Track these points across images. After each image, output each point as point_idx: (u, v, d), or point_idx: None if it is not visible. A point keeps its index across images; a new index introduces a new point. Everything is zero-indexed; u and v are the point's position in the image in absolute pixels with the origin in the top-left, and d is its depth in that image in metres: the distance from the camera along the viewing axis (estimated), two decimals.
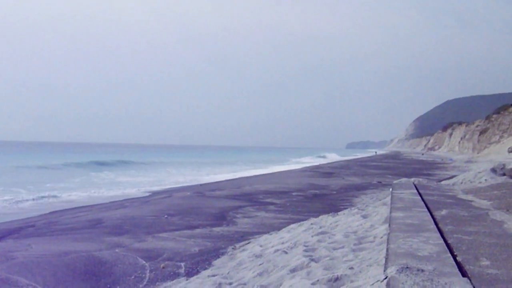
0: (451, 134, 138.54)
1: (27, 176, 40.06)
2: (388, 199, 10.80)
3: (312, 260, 6.92)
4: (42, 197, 24.13)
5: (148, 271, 9.10)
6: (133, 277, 8.76)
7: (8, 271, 8.92)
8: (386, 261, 4.73)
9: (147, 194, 27.12)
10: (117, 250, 10.60)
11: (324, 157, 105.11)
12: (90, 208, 19.44)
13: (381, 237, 7.39)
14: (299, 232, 10.35)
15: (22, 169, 49.33)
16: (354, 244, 7.55)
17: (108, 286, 8.29)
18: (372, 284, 4.37)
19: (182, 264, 9.51)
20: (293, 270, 6.62)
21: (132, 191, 28.97)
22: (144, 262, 9.67)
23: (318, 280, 5.64)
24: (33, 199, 23.21)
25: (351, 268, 5.95)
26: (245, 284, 6.69)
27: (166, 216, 15.50)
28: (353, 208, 13.50)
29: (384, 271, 4.39)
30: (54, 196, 24.27)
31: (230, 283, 6.86)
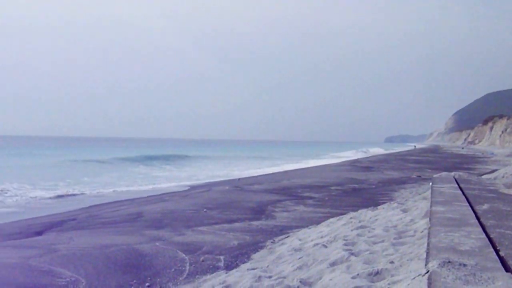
0: (491, 128, 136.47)
1: (71, 171, 40.73)
2: (428, 193, 10.70)
3: (352, 254, 6.89)
4: (74, 192, 24.73)
5: (188, 264, 9.17)
6: (173, 270, 8.84)
7: (51, 263, 9.09)
8: (427, 255, 4.69)
9: (186, 188, 27.31)
10: (157, 244, 10.71)
11: (365, 151, 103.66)
12: (130, 202, 19.65)
13: (422, 232, 7.32)
14: (338, 226, 10.32)
15: (71, 163, 50.22)
16: (394, 238, 7.49)
17: (149, 278, 8.38)
18: (414, 278, 4.34)
19: (222, 257, 9.56)
20: (333, 264, 6.61)
21: (169, 185, 29.29)
22: (184, 255, 9.74)
23: (358, 274, 5.62)
24: (70, 194, 23.90)
25: (392, 262, 5.91)
26: (284, 277, 6.69)
27: (205, 210, 15.60)
28: (392, 202, 13.41)
29: (426, 265, 4.35)
30: (82, 193, 24.47)
31: (270, 277, 6.87)
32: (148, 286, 8.04)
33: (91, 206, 19.31)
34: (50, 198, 22.44)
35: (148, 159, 55.40)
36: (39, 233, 12.52)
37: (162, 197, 21.11)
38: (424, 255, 4.91)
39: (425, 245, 5.30)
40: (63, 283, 8.04)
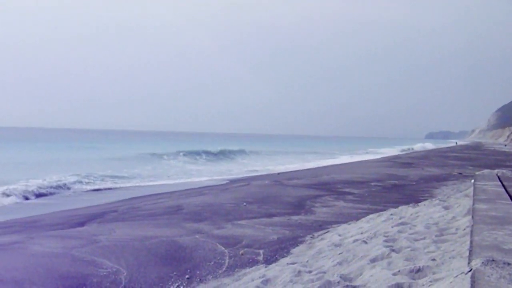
0: None
1: (116, 164, 41.30)
2: (470, 190, 10.56)
3: (393, 250, 6.84)
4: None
5: (227, 257, 9.22)
6: (212, 263, 8.90)
7: (93, 253, 9.24)
8: (470, 254, 4.63)
9: (225, 182, 27.46)
10: (197, 236, 10.79)
11: (410, 148, 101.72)
12: (170, 195, 19.84)
13: (464, 229, 7.24)
14: (379, 223, 10.26)
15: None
16: (436, 236, 7.42)
17: (189, 271, 8.45)
18: (456, 276, 4.29)
19: (261, 251, 9.59)
20: (374, 260, 6.57)
21: (209, 179, 29.57)
22: (223, 248, 9.80)
23: (399, 271, 5.58)
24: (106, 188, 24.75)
25: (433, 259, 5.86)
26: (324, 272, 6.68)
27: (244, 203, 15.65)
28: (433, 199, 13.26)
29: (469, 263, 4.30)
30: (111, 189, 24.98)
31: (310, 271, 6.87)
32: (188, 278, 8.11)
33: (131, 198, 19.57)
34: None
35: (192, 154, 55.42)
36: (81, 224, 12.73)
37: (201, 190, 21.25)
38: (467, 253, 4.87)
39: (468, 243, 5.25)
40: (105, 273, 8.17)
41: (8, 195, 19.78)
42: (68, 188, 23.64)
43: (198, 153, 54.88)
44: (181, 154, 53.70)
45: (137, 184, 26.52)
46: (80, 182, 25.61)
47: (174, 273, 8.34)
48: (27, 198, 20.36)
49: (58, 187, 23.31)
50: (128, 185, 26.39)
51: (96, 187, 24.97)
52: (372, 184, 22.62)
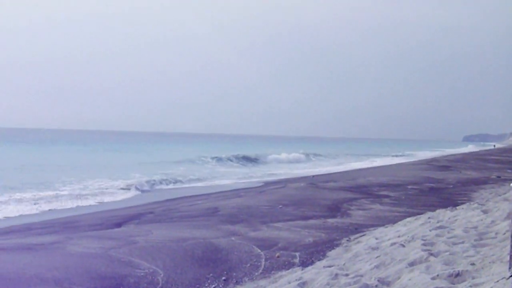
0: None
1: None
2: (510, 194, 10.42)
3: (431, 254, 6.77)
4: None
5: (263, 259, 9.23)
6: (248, 265, 8.92)
7: (130, 254, 9.32)
8: (511, 258, 4.57)
9: (261, 184, 27.50)
10: (233, 238, 10.82)
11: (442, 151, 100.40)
12: (206, 197, 19.95)
13: (504, 234, 7.14)
14: (416, 226, 10.16)
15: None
16: (475, 240, 7.33)
17: (225, 272, 8.48)
18: (497, 281, 4.24)
19: (297, 254, 9.57)
20: (412, 264, 6.51)
21: (245, 181, 29.69)
22: (260, 250, 9.81)
23: (438, 275, 5.53)
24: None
25: (473, 264, 5.79)
26: (362, 276, 6.64)
27: (280, 206, 15.64)
28: (472, 202, 13.10)
29: (510, 268, 4.25)
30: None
31: (347, 275, 6.84)
32: (225, 280, 8.13)
33: (168, 200, 19.75)
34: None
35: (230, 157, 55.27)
36: (118, 225, 12.87)
37: (237, 192, 21.32)
38: (507, 258, 4.80)
39: (508, 247, 5.17)
40: (142, 274, 8.24)
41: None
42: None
43: (236, 157, 54.41)
44: (231, 158, 53.41)
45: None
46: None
47: (211, 274, 8.38)
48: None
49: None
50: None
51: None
52: (409, 187, 22.40)
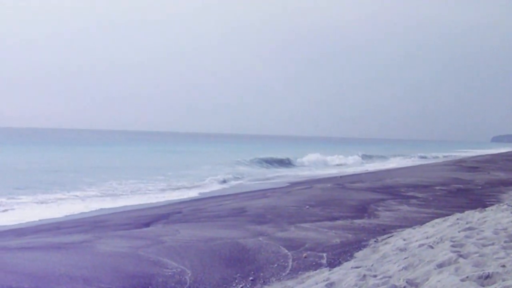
0: None
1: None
2: None
3: (460, 256, 6.73)
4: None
5: (290, 260, 9.23)
6: (276, 265, 8.93)
7: (158, 253, 9.39)
8: None
9: (287, 184, 27.51)
10: (260, 239, 10.83)
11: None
12: (233, 197, 20.01)
13: None
14: (444, 227, 10.09)
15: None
16: (505, 242, 7.26)
17: (252, 272, 8.50)
18: None
19: (324, 254, 9.56)
20: (440, 265, 6.47)
21: (271, 181, 29.77)
22: (287, 251, 9.81)
23: (467, 277, 5.49)
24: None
25: (503, 266, 5.74)
26: (390, 277, 6.61)
27: (307, 206, 15.62)
28: (501, 204, 12.97)
29: None
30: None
31: (375, 276, 6.81)
32: (252, 280, 8.16)
33: (195, 200, 19.84)
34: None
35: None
36: (146, 225, 12.98)
37: (264, 193, 21.33)
38: None
39: None
40: (170, 273, 8.29)
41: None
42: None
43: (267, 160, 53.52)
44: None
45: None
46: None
47: (238, 274, 8.41)
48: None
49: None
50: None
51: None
52: (437, 188, 22.21)
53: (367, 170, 43.02)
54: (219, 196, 20.93)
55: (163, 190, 25.25)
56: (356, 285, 6.47)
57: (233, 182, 30.62)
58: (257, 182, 31.30)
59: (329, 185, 23.19)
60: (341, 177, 31.31)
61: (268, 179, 34.13)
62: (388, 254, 8.54)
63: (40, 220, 15.46)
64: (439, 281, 5.70)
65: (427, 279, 6.05)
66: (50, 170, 34.61)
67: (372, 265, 7.85)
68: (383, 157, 69.39)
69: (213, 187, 27.41)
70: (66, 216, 16.55)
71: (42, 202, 19.83)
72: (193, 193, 23.69)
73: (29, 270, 8.14)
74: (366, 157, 65.38)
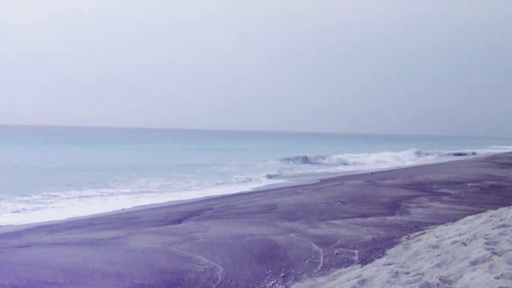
0: None
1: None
2: None
3: (494, 253, 6.65)
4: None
5: (322, 256, 9.21)
6: (307, 262, 8.92)
7: (191, 250, 9.47)
8: None
9: (317, 181, 27.46)
10: (291, 235, 10.84)
11: None
12: (264, 194, 20.03)
13: None
14: (477, 224, 9.97)
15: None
16: None
17: (284, 269, 8.50)
18: None
19: (356, 251, 9.53)
20: (474, 263, 6.41)
21: (302, 178, 29.73)
22: (318, 247, 9.80)
23: (502, 275, 5.43)
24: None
25: None
26: (423, 274, 6.56)
27: (338, 203, 15.58)
28: None
29: None
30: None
31: (407, 273, 6.76)
32: (283, 276, 8.16)
33: (226, 197, 19.91)
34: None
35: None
36: (178, 221, 13.08)
37: (295, 189, 21.32)
38: None
39: None
40: (202, 269, 8.34)
41: (271, 177, 31.90)
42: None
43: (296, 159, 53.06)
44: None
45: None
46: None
47: (269, 271, 8.42)
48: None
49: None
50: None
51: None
52: (469, 184, 21.97)
53: (398, 166, 42.75)
54: (249, 193, 20.99)
55: (192, 188, 25.44)
56: (388, 282, 6.43)
57: (268, 180, 30.57)
58: (288, 179, 31.27)
59: (360, 181, 23.11)
60: (372, 173, 31.12)
61: (299, 175, 34.28)
62: (420, 251, 8.48)
63: (73, 217, 15.65)
64: (473, 278, 5.64)
65: (461, 277, 5.99)
66: (81, 168, 35.04)
67: (404, 262, 7.80)
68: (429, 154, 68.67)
69: (248, 185, 27.22)
70: (97, 213, 16.73)
71: (74, 199, 20.16)
72: (223, 191, 23.70)
73: (64, 266, 8.28)
74: (418, 154, 65.08)
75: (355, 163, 48.99)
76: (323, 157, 50.33)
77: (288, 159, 47.21)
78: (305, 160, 48.07)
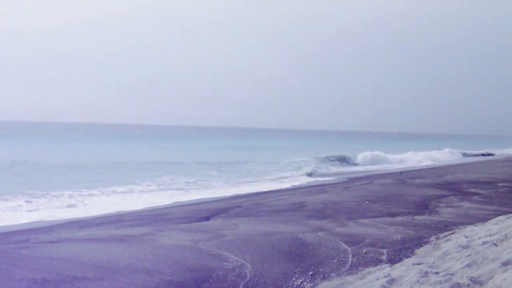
0: None
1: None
2: None
3: None
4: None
5: (350, 255, 9.19)
6: (335, 260, 8.90)
7: (219, 247, 9.50)
8: None
9: (345, 180, 27.38)
10: (319, 234, 10.83)
11: None
12: (292, 192, 20.04)
13: None
14: (508, 225, 9.86)
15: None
16: None
17: (312, 267, 8.50)
18: None
19: (384, 250, 9.48)
20: (505, 264, 6.33)
21: (329, 178, 29.70)
22: (346, 246, 9.77)
23: None
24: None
25: None
26: (452, 274, 6.51)
27: (367, 202, 15.52)
28: None
29: None
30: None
31: (437, 273, 6.72)
32: (312, 275, 8.15)
33: (254, 194, 19.93)
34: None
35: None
36: (207, 218, 13.13)
37: (323, 188, 21.29)
38: None
39: None
40: (230, 267, 8.37)
41: (309, 175, 32.88)
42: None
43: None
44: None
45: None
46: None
47: (298, 269, 8.42)
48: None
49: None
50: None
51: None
52: (500, 184, 21.75)
53: (428, 165, 42.42)
54: (278, 191, 20.99)
55: (221, 186, 25.46)
56: (418, 281, 6.40)
57: (303, 178, 30.52)
58: (320, 178, 30.97)
59: (389, 180, 22.99)
60: (401, 172, 30.92)
61: (332, 174, 34.21)
62: (450, 251, 8.42)
63: (103, 214, 15.78)
64: (504, 279, 5.59)
65: (492, 277, 5.94)
66: (105, 165, 35.25)
67: (433, 262, 7.75)
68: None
69: (280, 184, 26.85)
70: (126, 210, 16.84)
71: (103, 195, 20.34)
72: (253, 189, 23.49)
73: (94, 261, 8.37)
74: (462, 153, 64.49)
75: (401, 160, 48.86)
76: (354, 157, 49.60)
77: (324, 159, 46.34)
78: (343, 159, 47.21)
